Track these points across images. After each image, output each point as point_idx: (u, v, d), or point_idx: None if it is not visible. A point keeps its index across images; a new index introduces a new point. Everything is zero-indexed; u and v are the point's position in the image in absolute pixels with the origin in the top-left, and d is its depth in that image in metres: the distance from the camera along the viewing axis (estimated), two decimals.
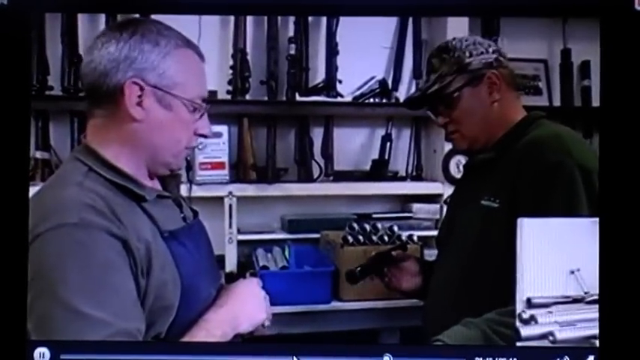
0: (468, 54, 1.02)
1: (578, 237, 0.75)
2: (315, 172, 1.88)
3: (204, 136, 0.86)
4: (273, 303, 1.37)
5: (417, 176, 1.96)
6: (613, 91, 0.75)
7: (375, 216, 1.85)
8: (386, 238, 1.57)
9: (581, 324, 0.68)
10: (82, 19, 1.71)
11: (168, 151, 0.82)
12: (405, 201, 1.98)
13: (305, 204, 1.92)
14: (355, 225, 1.60)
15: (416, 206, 1.89)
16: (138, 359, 0.72)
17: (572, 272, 0.74)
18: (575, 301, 0.72)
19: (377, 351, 0.73)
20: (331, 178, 1.90)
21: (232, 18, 1.80)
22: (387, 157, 1.93)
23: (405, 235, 1.61)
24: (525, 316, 0.69)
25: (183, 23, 1.71)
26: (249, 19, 1.81)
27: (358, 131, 1.99)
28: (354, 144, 1.98)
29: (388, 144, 1.94)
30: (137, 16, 1.06)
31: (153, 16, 0.96)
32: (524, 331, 0.68)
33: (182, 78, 0.79)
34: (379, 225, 1.62)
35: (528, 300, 0.73)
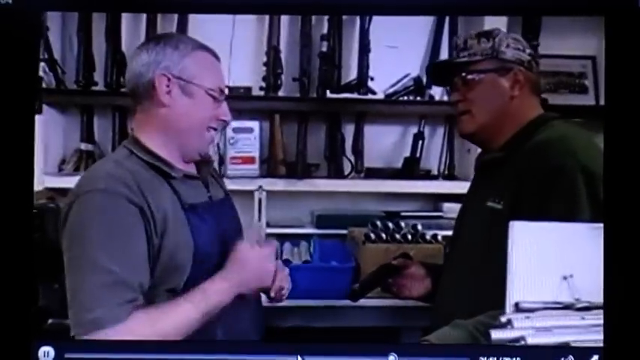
0: (505, 44, 1.02)
1: (574, 242, 0.73)
2: (346, 169, 1.89)
3: (225, 122, 1.02)
4: (293, 296, 1.41)
5: (450, 175, 1.93)
6: (617, 89, 0.72)
7: (403, 214, 1.84)
8: (409, 236, 1.57)
9: (559, 330, 0.66)
10: (125, 19, 1.81)
11: (192, 134, 0.98)
12: (437, 200, 1.95)
13: (335, 200, 1.94)
14: (378, 222, 1.60)
15: (446, 205, 1.86)
16: (142, 358, 0.75)
17: (565, 278, 0.72)
18: (566, 307, 0.70)
19: (382, 350, 0.74)
20: (362, 174, 1.90)
21: (267, 16, 1.84)
22: (418, 155, 1.91)
23: (429, 233, 1.59)
24: (503, 319, 0.68)
25: (218, 21, 1.79)
26: (284, 16, 1.85)
27: (390, 129, 1.98)
28: (385, 141, 1.98)
29: (420, 142, 1.92)
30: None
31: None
32: (495, 334, 0.67)
33: (199, 72, 0.97)
34: (402, 223, 1.61)
35: (516, 304, 0.71)
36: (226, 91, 1.03)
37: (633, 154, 0.72)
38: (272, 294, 1.03)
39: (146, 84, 0.96)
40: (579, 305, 0.69)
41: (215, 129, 1.01)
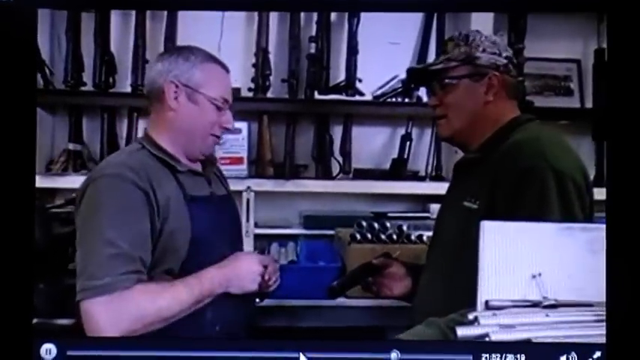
0: (481, 49, 1.03)
1: (543, 242, 0.75)
2: (335, 170, 1.90)
3: (227, 129, 1.11)
4: (279, 296, 1.42)
5: (437, 176, 1.94)
6: (618, 89, 0.73)
7: (390, 215, 1.86)
8: (395, 236, 1.58)
9: (522, 327, 0.67)
10: (114, 19, 1.82)
11: (196, 136, 1.08)
12: (425, 201, 1.96)
13: (323, 201, 1.95)
14: (364, 223, 1.61)
15: (433, 206, 1.87)
16: (142, 355, 0.76)
17: (534, 277, 0.73)
18: (534, 305, 0.71)
19: (384, 347, 0.74)
20: (350, 176, 1.91)
21: (256, 17, 1.85)
22: (406, 156, 1.93)
23: (414, 234, 1.61)
24: (471, 317, 0.69)
25: (207, 22, 1.80)
26: (272, 18, 1.86)
27: (378, 130, 1.99)
28: (373, 143, 1.99)
29: (408, 143, 1.93)
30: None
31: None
32: (461, 331, 0.68)
33: (205, 82, 1.07)
34: (388, 223, 1.63)
35: (486, 302, 0.73)
36: (231, 100, 1.11)
37: (635, 150, 0.72)
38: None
39: (157, 89, 1.07)
40: (546, 303, 0.70)
41: (218, 136, 1.11)
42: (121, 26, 1.85)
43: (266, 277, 1.07)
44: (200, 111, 1.07)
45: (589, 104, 1.97)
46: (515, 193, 0.87)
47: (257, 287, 1.06)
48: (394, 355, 0.73)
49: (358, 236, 1.57)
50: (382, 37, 1.92)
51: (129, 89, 1.80)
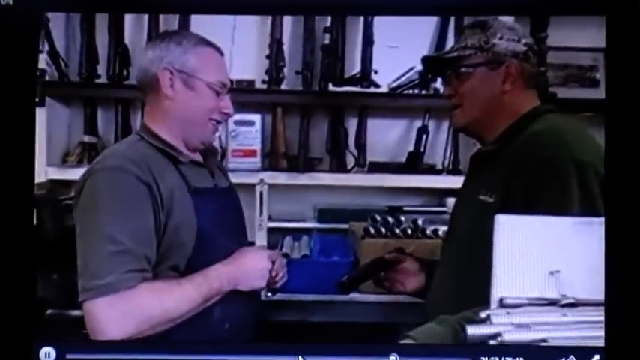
0: (498, 36, 0.99)
1: (562, 237, 0.71)
2: (349, 163, 1.87)
3: (227, 115, 1.06)
4: (291, 290, 1.39)
5: (454, 170, 1.90)
6: (618, 88, 0.70)
7: (406, 209, 1.82)
8: (409, 231, 1.55)
9: (538, 327, 0.63)
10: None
11: (195, 124, 1.03)
12: (441, 195, 1.92)
13: (338, 194, 1.92)
14: (377, 217, 1.58)
15: (450, 201, 1.82)
16: (143, 358, 0.75)
17: (552, 273, 0.69)
18: (551, 303, 0.67)
19: (383, 350, 0.74)
20: (365, 169, 1.88)
21: None
22: (422, 149, 1.88)
23: (430, 228, 1.57)
24: (483, 315, 0.66)
25: (221, 15, 1.78)
26: None
27: (394, 122, 1.96)
28: (389, 135, 1.95)
29: (424, 136, 1.89)
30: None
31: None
32: (471, 329, 0.65)
33: (201, 66, 1.01)
34: (403, 218, 1.59)
35: (500, 300, 0.69)
36: (229, 84, 1.07)
37: (634, 151, 0.69)
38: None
39: (151, 78, 1.01)
40: (564, 301, 0.67)
41: (218, 121, 1.05)
42: (134, 18, 1.84)
43: (273, 274, 1.04)
44: (198, 97, 1.01)
45: None
46: (534, 185, 0.83)
47: (265, 284, 1.03)
48: (393, 358, 0.73)
49: (372, 230, 1.54)
50: (397, 30, 1.88)
51: None
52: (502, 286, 0.70)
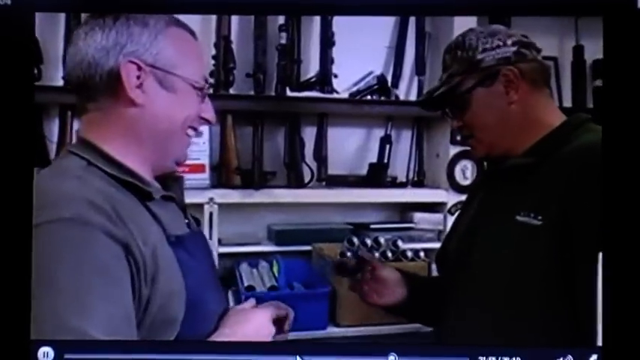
0: (480, 49, 0.88)
1: None
2: (307, 177, 1.68)
3: (208, 121, 0.80)
4: None
5: (419, 182, 1.79)
6: (616, 90, 0.68)
7: (373, 227, 1.67)
8: (389, 254, 1.39)
9: None
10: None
11: (171, 138, 0.75)
12: (405, 210, 1.80)
13: (295, 212, 1.74)
14: (355, 239, 1.41)
15: (417, 216, 1.71)
16: (143, 359, 0.70)
17: None
18: None
19: (382, 350, 0.71)
20: (324, 183, 1.71)
21: None
22: (385, 160, 1.75)
23: (410, 250, 1.43)
24: None
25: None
26: None
27: (355, 132, 1.81)
28: (349, 146, 1.80)
29: (387, 146, 1.76)
30: None
31: None
32: None
33: (180, 57, 0.74)
34: (382, 239, 1.43)
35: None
36: (210, 80, 0.83)
37: (632, 156, 0.67)
38: None
39: (105, 75, 0.71)
40: None
41: (196, 129, 0.78)
42: None
43: (286, 328, 0.85)
44: (178, 101, 0.74)
45: (567, 103, 1.89)
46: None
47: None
48: (392, 358, 0.70)
49: (349, 254, 1.36)
50: (355, 29, 1.72)
51: None
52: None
